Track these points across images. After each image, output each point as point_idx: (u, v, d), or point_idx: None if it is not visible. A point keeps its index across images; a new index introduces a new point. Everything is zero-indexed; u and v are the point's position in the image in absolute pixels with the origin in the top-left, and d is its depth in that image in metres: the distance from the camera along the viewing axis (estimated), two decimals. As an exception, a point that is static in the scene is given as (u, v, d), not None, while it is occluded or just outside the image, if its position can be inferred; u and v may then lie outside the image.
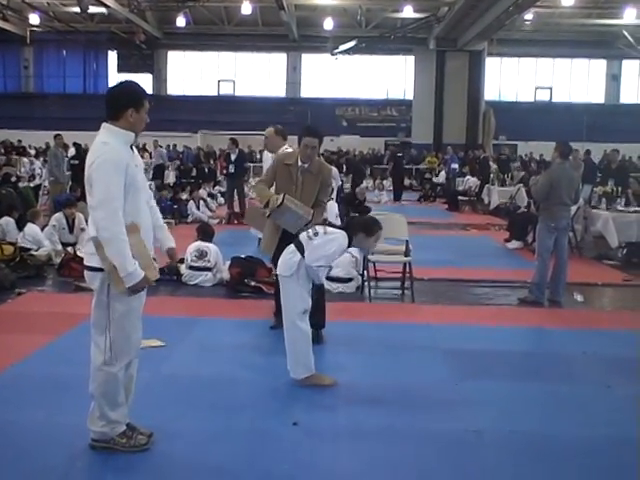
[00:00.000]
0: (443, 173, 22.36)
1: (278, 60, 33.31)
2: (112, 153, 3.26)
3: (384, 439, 3.78)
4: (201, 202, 13.85)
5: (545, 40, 29.86)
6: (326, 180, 5.53)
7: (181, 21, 27.26)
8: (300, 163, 5.35)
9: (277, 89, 33.30)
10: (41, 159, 20.23)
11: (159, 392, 4.32)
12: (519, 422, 4.05)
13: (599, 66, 33.28)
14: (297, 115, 28.79)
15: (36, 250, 8.40)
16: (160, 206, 14.17)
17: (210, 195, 15.57)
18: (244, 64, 33.02)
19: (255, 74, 32.94)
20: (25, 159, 20.36)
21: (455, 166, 20.75)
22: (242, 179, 14.17)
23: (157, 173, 18.01)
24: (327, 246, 4.39)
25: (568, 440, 3.83)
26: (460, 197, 17.96)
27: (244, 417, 4.02)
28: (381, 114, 33.31)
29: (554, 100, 33.05)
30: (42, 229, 9.00)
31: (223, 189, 16.31)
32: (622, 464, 3.58)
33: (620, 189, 11.01)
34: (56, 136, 14.38)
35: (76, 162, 14.64)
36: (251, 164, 17.56)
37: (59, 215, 9.35)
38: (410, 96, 29.43)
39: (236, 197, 13.83)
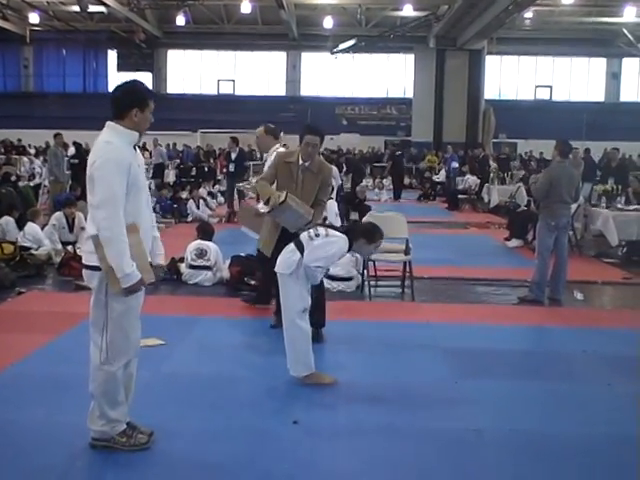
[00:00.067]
0: (443, 172, 22.28)
1: (278, 59, 33.30)
2: (115, 152, 3.26)
3: (384, 438, 3.78)
4: (201, 201, 13.83)
5: (545, 38, 29.83)
6: (326, 180, 5.53)
7: (181, 20, 27.27)
8: (301, 161, 5.35)
9: (277, 88, 33.29)
10: (41, 158, 20.17)
11: (159, 391, 4.33)
12: (519, 421, 4.06)
13: (599, 64, 33.30)
14: (297, 114, 28.80)
15: (36, 249, 8.40)
16: (160, 205, 14.00)
17: (210, 194, 15.55)
18: (244, 63, 33.03)
19: (255, 73, 32.95)
20: (25, 158, 20.32)
21: (455, 165, 20.68)
22: (242, 178, 14.16)
23: (157, 172, 17.98)
24: (327, 247, 4.39)
25: (568, 439, 3.83)
26: (460, 196, 17.91)
27: (244, 416, 4.02)
28: (381, 113, 33.34)
29: (554, 98, 33.06)
30: (42, 228, 8.99)
31: (223, 188, 16.30)
32: (622, 463, 3.58)
33: (620, 187, 11.00)
34: (56, 135, 14.35)
35: (76, 161, 14.61)
36: (251, 163, 17.56)
37: (59, 214, 9.35)
38: (410, 95, 29.38)
39: (236, 196, 13.82)
